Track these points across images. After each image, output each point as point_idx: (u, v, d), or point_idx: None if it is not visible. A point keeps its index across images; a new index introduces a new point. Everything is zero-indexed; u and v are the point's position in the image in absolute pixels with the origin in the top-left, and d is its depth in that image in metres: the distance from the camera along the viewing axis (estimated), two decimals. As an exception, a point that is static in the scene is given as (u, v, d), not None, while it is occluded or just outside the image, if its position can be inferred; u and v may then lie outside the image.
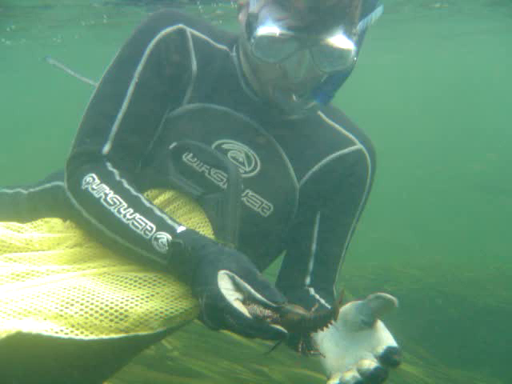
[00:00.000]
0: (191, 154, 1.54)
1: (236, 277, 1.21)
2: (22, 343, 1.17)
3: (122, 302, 1.26)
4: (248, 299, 1.19)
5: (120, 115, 1.52)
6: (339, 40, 1.43)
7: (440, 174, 15.21)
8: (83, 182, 1.44)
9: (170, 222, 1.37)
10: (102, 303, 1.25)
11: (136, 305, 1.26)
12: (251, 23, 1.48)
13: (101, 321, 1.23)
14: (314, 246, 1.70)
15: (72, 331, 1.20)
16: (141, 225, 1.36)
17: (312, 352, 1.23)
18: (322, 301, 1.59)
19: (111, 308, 1.24)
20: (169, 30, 1.57)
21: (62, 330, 1.19)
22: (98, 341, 1.21)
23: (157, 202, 1.50)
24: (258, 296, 1.19)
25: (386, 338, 1.21)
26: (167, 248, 1.32)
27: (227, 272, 1.21)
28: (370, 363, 1.17)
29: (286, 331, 1.16)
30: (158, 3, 6.67)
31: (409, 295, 6.21)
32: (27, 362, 1.30)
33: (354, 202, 1.74)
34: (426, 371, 4.95)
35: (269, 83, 1.54)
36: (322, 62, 1.46)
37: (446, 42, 13.64)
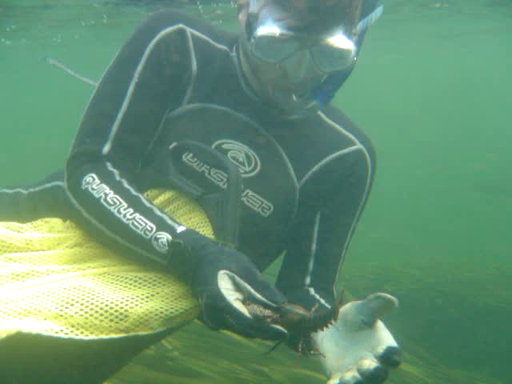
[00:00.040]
0: (191, 154, 1.54)
1: (236, 277, 1.21)
2: (21, 343, 1.17)
3: (122, 302, 1.26)
4: (248, 299, 1.19)
5: (120, 115, 1.52)
6: (339, 40, 1.43)
7: (440, 174, 15.21)
8: (83, 182, 1.44)
9: (169, 222, 1.37)
10: (102, 303, 1.25)
11: (136, 305, 1.26)
12: (251, 23, 1.48)
13: (101, 321, 1.23)
14: (313, 246, 1.70)
15: (72, 331, 1.20)
16: (141, 225, 1.36)
17: (312, 352, 1.24)
18: (322, 301, 1.58)
19: (111, 308, 1.24)
20: (169, 30, 1.57)
21: (61, 330, 1.19)
22: (97, 341, 1.21)
23: (157, 201, 1.50)
24: (258, 296, 1.19)
25: (386, 338, 1.21)
26: (167, 248, 1.32)
27: (227, 272, 1.21)
28: (370, 363, 1.17)
29: (285, 331, 1.16)
30: (158, 3, 6.67)
31: (409, 295, 6.21)
32: (27, 361, 1.30)
33: (353, 202, 1.74)
34: (426, 371, 4.95)
35: (269, 83, 1.54)
36: (321, 62, 1.46)
37: (445, 42, 13.64)
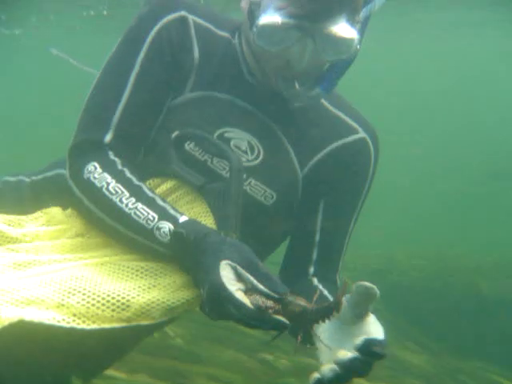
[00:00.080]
0: (193, 143, 1.53)
1: (238, 267, 1.21)
2: (23, 332, 1.18)
3: (123, 292, 1.26)
4: (250, 290, 1.19)
5: (122, 104, 1.51)
6: (342, 28, 1.41)
7: (442, 163, 15.18)
8: (85, 171, 1.44)
9: (172, 211, 1.36)
10: (103, 293, 1.25)
11: (138, 295, 1.26)
12: (253, 11, 1.46)
13: (103, 311, 1.23)
14: (317, 235, 1.69)
15: (74, 320, 1.21)
16: (143, 214, 1.36)
17: (308, 346, 1.24)
18: (325, 292, 1.58)
19: (113, 298, 1.25)
20: (170, 17, 1.55)
21: (63, 319, 1.20)
22: (99, 330, 1.22)
23: (159, 191, 1.49)
24: (260, 287, 1.18)
25: (373, 331, 1.21)
26: (169, 238, 1.31)
27: (229, 262, 1.21)
28: (346, 354, 1.16)
29: (287, 322, 1.15)
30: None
31: (412, 284, 6.21)
32: (28, 350, 1.30)
33: (357, 191, 1.73)
34: (428, 360, 4.97)
35: (271, 71, 1.52)
36: (324, 51, 1.45)
37: (451, 33, 13.55)
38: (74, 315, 1.21)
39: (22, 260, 1.33)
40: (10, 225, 1.45)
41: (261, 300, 1.16)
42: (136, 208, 1.36)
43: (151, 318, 1.26)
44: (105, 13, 8.33)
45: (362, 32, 1.47)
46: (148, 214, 1.35)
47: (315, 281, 1.65)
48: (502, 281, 6.11)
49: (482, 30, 11.88)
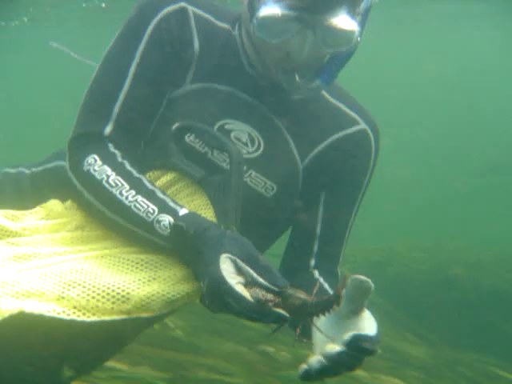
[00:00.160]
0: (194, 135, 1.53)
1: (238, 260, 1.21)
2: (23, 324, 1.18)
3: (123, 285, 1.26)
4: (250, 283, 1.19)
5: (122, 96, 1.51)
6: (343, 20, 1.41)
7: (443, 157, 15.16)
8: (85, 163, 1.43)
9: (172, 204, 1.36)
10: (103, 285, 1.25)
11: (138, 287, 1.26)
12: (253, 3, 1.46)
13: (103, 303, 1.23)
14: (318, 228, 1.69)
15: (74, 312, 1.21)
16: (143, 207, 1.35)
17: (305, 340, 1.24)
18: (326, 285, 1.58)
19: (113, 290, 1.25)
20: (170, 8, 1.54)
21: (64, 312, 1.20)
22: (99, 322, 1.22)
23: (159, 183, 1.49)
24: (260, 280, 1.18)
25: (366, 327, 1.21)
26: (169, 230, 1.31)
27: (229, 256, 1.21)
28: (334, 347, 1.17)
29: (287, 315, 1.15)
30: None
31: (412, 277, 6.22)
32: (28, 342, 1.30)
33: (357, 182, 1.73)
34: (428, 352, 4.98)
35: (272, 63, 1.52)
36: (324, 43, 1.44)
37: (451, 25, 13.50)
38: (75, 307, 1.21)
39: (23, 253, 1.33)
40: (9, 219, 1.45)
41: (261, 293, 1.16)
42: (136, 201, 1.36)
43: (151, 311, 1.26)
44: (103, 5, 8.29)
45: (362, 24, 1.47)
46: (148, 206, 1.35)
47: (316, 273, 1.65)
48: (501, 275, 6.12)
49: (482, 21, 11.82)
